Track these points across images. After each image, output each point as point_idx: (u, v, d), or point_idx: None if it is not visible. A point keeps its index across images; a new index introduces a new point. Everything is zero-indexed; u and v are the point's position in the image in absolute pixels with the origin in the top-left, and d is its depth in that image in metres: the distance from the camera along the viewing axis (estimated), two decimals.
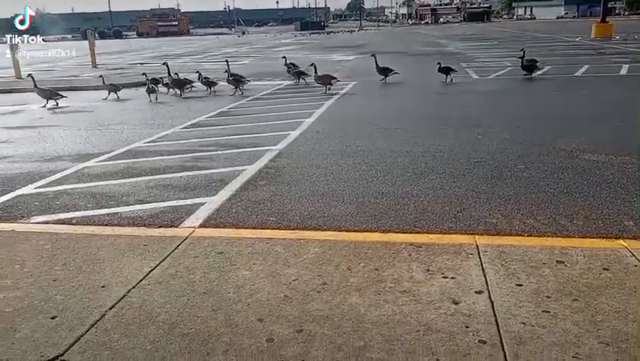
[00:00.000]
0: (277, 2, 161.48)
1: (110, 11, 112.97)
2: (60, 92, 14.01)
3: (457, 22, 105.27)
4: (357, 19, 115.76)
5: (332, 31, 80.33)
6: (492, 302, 3.28)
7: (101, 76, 15.94)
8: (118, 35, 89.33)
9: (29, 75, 14.73)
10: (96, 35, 28.76)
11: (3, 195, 6.11)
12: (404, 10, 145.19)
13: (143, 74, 16.38)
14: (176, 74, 15.48)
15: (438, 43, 37.25)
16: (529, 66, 15.04)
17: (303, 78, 15.98)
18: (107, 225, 5.03)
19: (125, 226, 4.98)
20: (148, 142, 8.82)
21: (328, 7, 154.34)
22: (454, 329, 3.02)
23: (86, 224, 5.06)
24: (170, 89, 14.99)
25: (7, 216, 5.43)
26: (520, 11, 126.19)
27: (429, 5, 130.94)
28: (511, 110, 10.67)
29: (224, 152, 7.81)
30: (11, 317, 3.35)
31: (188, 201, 5.62)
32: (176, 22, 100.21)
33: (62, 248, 4.40)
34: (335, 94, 13.55)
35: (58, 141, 9.21)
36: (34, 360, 2.93)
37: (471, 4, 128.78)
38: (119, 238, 4.59)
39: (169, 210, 5.39)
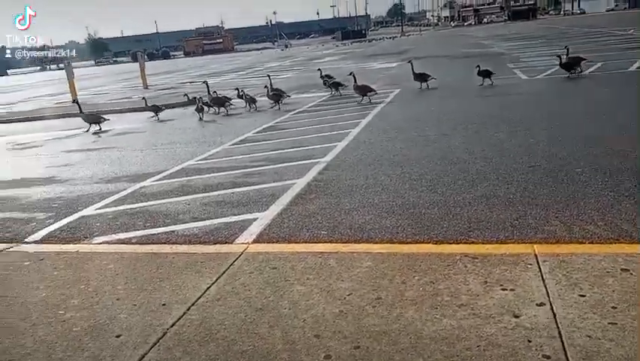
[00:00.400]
0: (318, 14, 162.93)
1: (157, 32, 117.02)
2: (103, 116, 14.54)
3: (501, 22, 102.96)
4: (398, 25, 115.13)
5: (373, 39, 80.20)
6: (554, 315, 3.18)
7: (143, 98, 16.37)
8: (166, 56, 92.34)
9: (74, 101, 15.39)
10: (145, 57, 29.79)
11: (67, 216, 6.42)
12: (446, 13, 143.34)
13: (185, 94, 16.91)
14: (214, 92, 15.79)
15: (482, 45, 36.56)
16: (569, 64, 14.52)
17: (339, 89, 16.00)
18: (165, 243, 5.19)
19: (182, 244, 5.13)
20: (200, 160, 9.06)
21: (368, 15, 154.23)
22: (515, 343, 2.94)
23: (145, 243, 5.25)
24: (210, 108, 15.23)
25: (71, 237, 5.69)
26: (568, 6, 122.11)
27: (471, 6, 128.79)
28: (563, 110, 10.32)
29: (273, 166, 7.92)
30: (79, 336, 3.50)
31: (241, 217, 5.73)
32: (221, 40, 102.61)
33: (124, 267, 4.57)
34: (380, 103, 13.51)
35: (115, 163, 9.59)
36: None
37: (515, 2, 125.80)
38: (177, 255, 4.74)
39: (223, 226, 5.51)
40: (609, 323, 3.03)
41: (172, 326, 3.52)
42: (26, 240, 5.73)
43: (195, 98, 15.41)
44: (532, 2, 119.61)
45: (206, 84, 16.08)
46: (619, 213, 4.78)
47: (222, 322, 3.50)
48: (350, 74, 14.73)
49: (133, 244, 5.28)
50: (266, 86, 15.25)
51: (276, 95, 14.87)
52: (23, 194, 7.86)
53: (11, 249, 5.39)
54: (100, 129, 14.13)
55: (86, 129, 14.21)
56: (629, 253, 3.88)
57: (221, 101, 14.99)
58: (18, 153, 12.04)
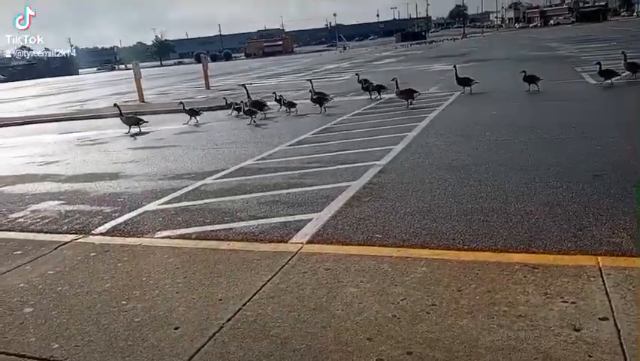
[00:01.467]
0: (377, 15, 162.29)
1: (220, 35, 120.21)
2: (142, 118, 14.85)
3: (569, 24, 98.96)
4: (460, 27, 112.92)
5: (433, 41, 79.08)
6: (618, 330, 3.04)
7: (181, 102, 16.15)
8: (228, 57, 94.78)
9: (115, 105, 15.82)
10: (208, 59, 30.65)
11: (131, 211, 6.71)
12: (510, 14, 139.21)
13: (223, 98, 17.33)
14: (248, 97, 15.90)
15: (548, 47, 35.24)
16: (634, 64, 14.13)
17: (381, 92, 15.91)
18: (223, 240, 5.34)
19: (239, 241, 5.25)
20: (258, 159, 9.24)
21: (429, 17, 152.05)
22: (575, 358, 2.84)
23: (204, 239, 5.41)
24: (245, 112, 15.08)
25: (134, 231, 5.95)
26: None
27: (538, 7, 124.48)
28: (635, 116, 9.80)
29: (329, 168, 7.97)
30: (139, 326, 3.66)
31: (297, 217, 5.80)
32: (281, 42, 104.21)
33: (184, 262, 4.74)
34: (438, 105, 13.31)
35: (178, 160, 9.94)
36: None
37: (584, 3, 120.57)
38: (234, 252, 4.86)
39: (279, 225, 5.60)
40: None
41: (228, 321, 3.61)
42: (93, 232, 6.04)
43: (233, 102, 15.95)
44: (602, 3, 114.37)
45: (245, 88, 16.36)
46: None
47: (276, 319, 3.56)
48: (392, 79, 14.63)
49: (193, 239, 5.46)
50: (310, 90, 15.41)
51: (319, 99, 14.91)
52: (91, 188, 8.28)
53: (79, 240, 5.70)
54: (140, 131, 14.46)
55: (126, 131, 14.62)
56: None
57: (259, 105, 14.95)
58: (87, 149, 12.69)
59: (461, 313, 3.40)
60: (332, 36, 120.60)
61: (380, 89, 16.11)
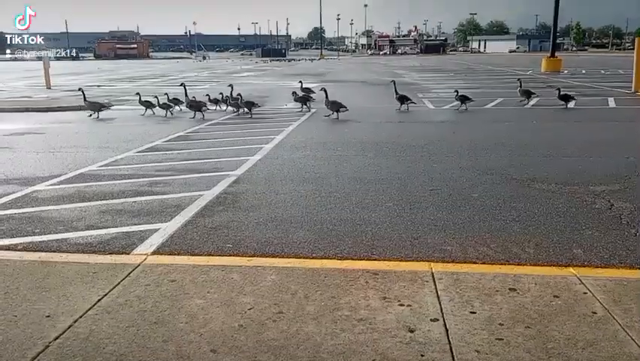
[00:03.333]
0: (239, 29, 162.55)
1: (67, 33, 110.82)
2: None
3: (414, 54, 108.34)
4: (317, 48, 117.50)
5: (293, 59, 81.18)
6: (447, 330, 3.30)
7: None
8: (75, 57, 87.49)
9: None
10: (50, 56, 28.05)
11: None
12: (364, 41, 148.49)
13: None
14: (194, 97, 15.44)
15: (396, 74, 38.12)
16: (464, 97, 15.74)
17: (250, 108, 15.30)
18: (55, 251, 4.83)
19: (74, 253, 4.79)
20: (101, 166, 8.58)
21: (289, 35, 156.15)
22: (409, 357, 3.01)
23: (32, 250, 4.84)
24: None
25: None
26: (475, 44, 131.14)
27: (388, 37, 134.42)
28: (466, 139, 10.95)
29: (181, 177, 7.68)
30: None
31: (142, 227, 5.47)
32: (136, 45, 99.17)
33: (5, 276, 4.19)
34: (295, 120, 13.60)
35: (5, 164, 8.85)
36: None
37: (427, 37, 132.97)
38: (67, 265, 4.42)
39: (121, 236, 5.22)
40: (496, 339, 3.19)
41: (55, 340, 3.25)
42: None
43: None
44: (443, 38, 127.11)
45: (82, 91, 15.59)
46: (509, 237, 5.11)
47: (112, 336, 3.29)
48: (321, 89, 14.52)
49: (18, 250, 4.86)
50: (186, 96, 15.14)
51: (198, 105, 14.61)
52: None
53: None
54: None
55: None
56: (517, 274, 4.14)
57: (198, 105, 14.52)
58: None
59: (306, 319, 3.45)
60: (191, 44, 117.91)
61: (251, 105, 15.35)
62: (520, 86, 16.71)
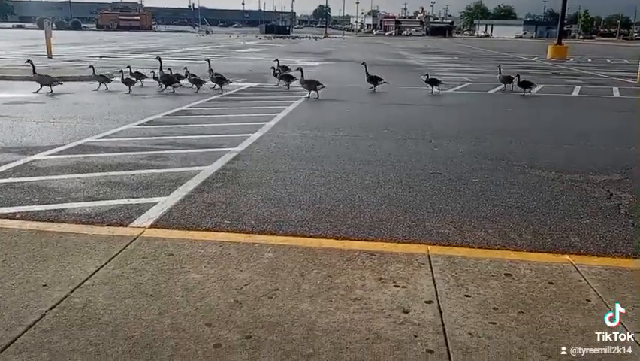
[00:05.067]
0: (243, 4, 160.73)
1: (69, 1, 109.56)
2: None
3: (419, 36, 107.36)
4: (322, 27, 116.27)
5: (297, 37, 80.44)
6: (441, 312, 3.32)
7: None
8: (77, 27, 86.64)
9: None
10: (53, 26, 27.65)
11: None
12: (369, 21, 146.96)
13: (90, 66, 15.96)
14: (169, 69, 15.30)
15: (400, 55, 37.85)
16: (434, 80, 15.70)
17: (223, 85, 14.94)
18: (52, 221, 4.84)
19: (72, 223, 4.79)
20: (101, 137, 8.55)
21: (294, 12, 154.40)
22: (402, 338, 3.04)
23: (30, 219, 4.85)
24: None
25: None
26: (482, 28, 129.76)
27: (394, 17, 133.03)
28: (476, 124, 10.90)
29: (181, 151, 7.66)
30: None
31: (140, 200, 5.47)
32: (138, 17, 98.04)
33: (3, 244, 4.19)
34: (297, 99, 13.53)
35: (6, 132, 8.82)
36: None
37: (434, 19, 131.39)
38: (64, 235, 4.42)
39: (119, 208, 5.23)
40: (490, 323, 3.21)
41: (51, 309, 3.27)
42: None
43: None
44: (449, 21, 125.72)
45: (159, 60, 15.29)
46: (507, 223, 5.12)
47: (107, 306, 3.31)
48: (298, 69, 14.33)
49: (17, 219, 4.86)
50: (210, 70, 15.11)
51: (220, 80, 14.60)
52: None
53: None
54: None
55: None
56: (512, 260, 4.15)
57: (170, 80, 14.39)
58: None
59: (302, 297, 3.46)
60: (195, 18, 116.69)
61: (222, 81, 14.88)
62: (500, 73, 16.62)
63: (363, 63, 16.24)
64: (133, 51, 33.21)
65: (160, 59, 15.57)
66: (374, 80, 15.51)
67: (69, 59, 24.46)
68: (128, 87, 14.28)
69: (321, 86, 13.99)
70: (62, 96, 13.46)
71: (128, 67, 15.22)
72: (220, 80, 14.70)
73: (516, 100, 14.95)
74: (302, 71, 14.45)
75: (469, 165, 7.28)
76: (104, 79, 14.96)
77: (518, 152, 8.18)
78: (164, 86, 14.62)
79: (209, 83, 14.99)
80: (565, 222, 5.18)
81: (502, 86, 16.50)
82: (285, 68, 17.11)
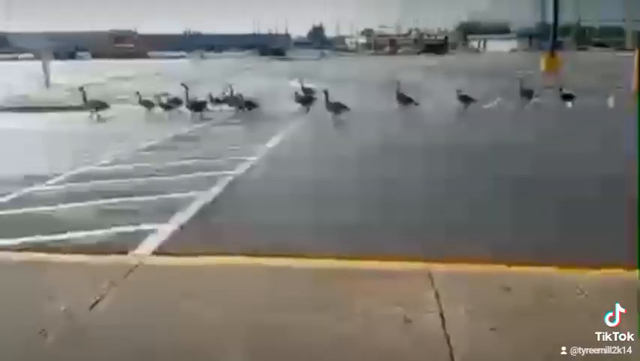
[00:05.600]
0: (237, 28, 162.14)
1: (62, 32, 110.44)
2: None
3: (414, 53, 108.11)
4: (317, 48, 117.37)
5: (292, 59, 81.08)
6: (443, 321, 3.34)
7: None
8: (71, 56, 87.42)
9: None
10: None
11: None
12: (363, 40, 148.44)
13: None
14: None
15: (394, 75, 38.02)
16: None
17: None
18: (51, 253, 4.83)
19: (71, 254, 4.78)
20: (99, 166, 8.57)
21: (289, 35, 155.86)
22: (406, 347, 3.02)
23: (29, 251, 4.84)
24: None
25: None
26: (474, 44, 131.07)
27: (387, 35, 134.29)
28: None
29: (180, 176, 7.67)
30: None
31: (140, 228, 5.47)
32: (133, 45, 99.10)
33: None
34: (291, 121, 13.53)
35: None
36: None
37: (428, 36, 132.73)
38: (63, 265, 4.42)
39: (119, 236, 5.22)
40: (490, 329, 3.20)
41: (50, 337, 3.24)
42: None
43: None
44: (443, 38, 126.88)
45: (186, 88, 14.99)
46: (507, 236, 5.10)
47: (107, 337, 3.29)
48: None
49: (14, 251, 4.85)
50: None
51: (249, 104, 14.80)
52: None
53: None
54: None
55: None
56: (513, 273, 4.12)
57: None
58: None
59: (304, 312, 3.45)
60: (190, 44, 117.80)
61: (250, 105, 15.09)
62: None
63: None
64: (127, 79, 33.40)
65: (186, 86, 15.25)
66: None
67: (67, 88, 24.62)
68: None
69: (345, 109, 13.39)
70: (64, 125, 13.50)
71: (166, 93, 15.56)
72: (249, 104, 14.85)
73: (517, 113, 14.94)
74: (326, 94, 13.73)
75: (466, 179, 7.27)
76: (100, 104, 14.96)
77: (517, 165, 8.14)
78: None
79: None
80: (568, 235, 5.16)
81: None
82: (310, 91, 16.56)
